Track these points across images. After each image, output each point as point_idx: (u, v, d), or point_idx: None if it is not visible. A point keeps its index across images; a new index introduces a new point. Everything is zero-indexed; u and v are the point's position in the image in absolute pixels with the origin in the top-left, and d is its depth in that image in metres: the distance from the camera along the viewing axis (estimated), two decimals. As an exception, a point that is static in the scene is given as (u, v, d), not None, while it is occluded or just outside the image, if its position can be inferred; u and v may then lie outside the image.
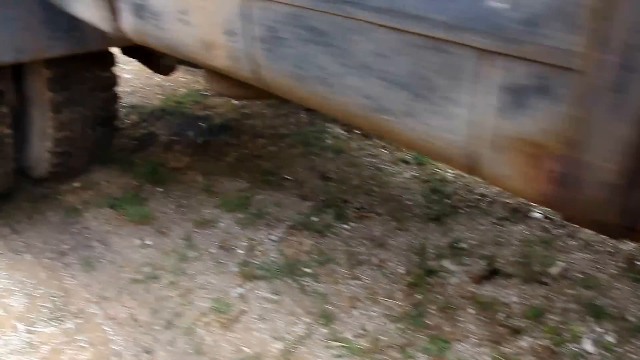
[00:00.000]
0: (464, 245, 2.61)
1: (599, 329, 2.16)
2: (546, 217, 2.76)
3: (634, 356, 2.06)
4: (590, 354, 2.07)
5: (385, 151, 3.33)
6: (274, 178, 3.01)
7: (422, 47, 0.88)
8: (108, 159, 3.03)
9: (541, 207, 2.78)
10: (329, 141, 3.38)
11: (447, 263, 2.51)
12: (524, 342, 2.10)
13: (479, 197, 2.96)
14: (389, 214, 2.79)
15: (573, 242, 2.62)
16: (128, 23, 1.64)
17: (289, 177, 3.04)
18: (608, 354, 2.06)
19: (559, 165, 0.81)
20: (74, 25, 2.19)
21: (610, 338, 2.13)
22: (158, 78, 4.05)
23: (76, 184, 2.95)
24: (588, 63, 0.72)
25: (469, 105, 0.90)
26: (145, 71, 3.51)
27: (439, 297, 2.30)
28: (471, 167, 1.01)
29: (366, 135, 3.45)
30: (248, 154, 3.22)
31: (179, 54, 1.54)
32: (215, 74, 1.59)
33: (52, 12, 2.16)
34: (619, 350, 2.08)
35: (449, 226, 2.73)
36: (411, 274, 2.43)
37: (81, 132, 2.66)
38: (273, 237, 2.61)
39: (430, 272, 2.44)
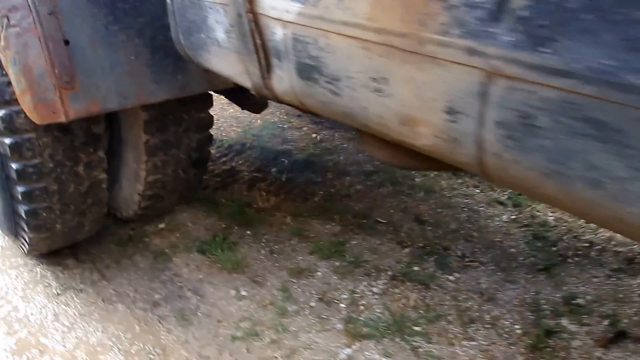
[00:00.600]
0: (580, 302, 2.40)
1: None
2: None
3: None
4: None
5: (478, 191, 3.14)
6: (366, 221, 2.86)
7: None
8: (192, 198, 2.93)
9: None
10: (417, 179, 3.21)
11: (565, 322, 2.30)
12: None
13: (587, 245, 2.75)
14: (494, 263, 2.60)
15: None
16: (285, 83, 1.49)
17: (382, 220, 2.88)
18: None
19: None
20: (179, 68, 2.09)
21: None
22: (232, 109, 3.96)
23: (161, 225, 2.85)
24: None
25: None
26: (220, 101, 3.42)
27: (568, 364, 2.10)
28: None
29: (455, 173, 3.27)
30: (336, 194, 3.08)
31: (357, 122, 1.38)
32: (377, 139, 1.44)
33: (159, 55, 2.06)
34: None
35: (559, 278, 2.52)
36: (528, 334, 2.24)
37: (173, 175, 2.55)
38: (375, 289, 2.44)
39: (549, 333, 2.24)
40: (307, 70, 1.38)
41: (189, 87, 2.14)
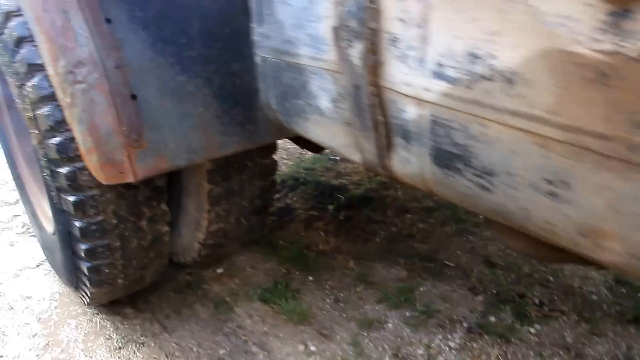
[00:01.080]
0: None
1: None
2: None
3: None
4: None
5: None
6: (433, 264, 2.72)
7: None
8: (251, 242, 2.83)
9: None
10: (481, 216, 3.05)
11: (662, 381, 2.13)
12: None
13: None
14: (576, 313, 2.43)
15: None
16: (411, 166, 1.29)
17: (449, 263, 2.73)
18: None
19: None
20: (249, 117, 1.98)
21: None
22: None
23: (220, 270, 2.75)
24: None
25: None
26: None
27: None
28: None
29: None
30: (398, 233, 2.94)
31: (511, 222, 1.16)
32: (513, 230, 1.28)
33: (228, 105, 1.95)
34: None
35: (650, 329, 2.35)
36: (623, 395, 2.07)
37: (235, 223, 2.45)
38: (452, 344, 2.30)
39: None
40: (448, 159, 1.19)
41: (258, 137, 2.03)
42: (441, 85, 1.14)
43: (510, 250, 2.78)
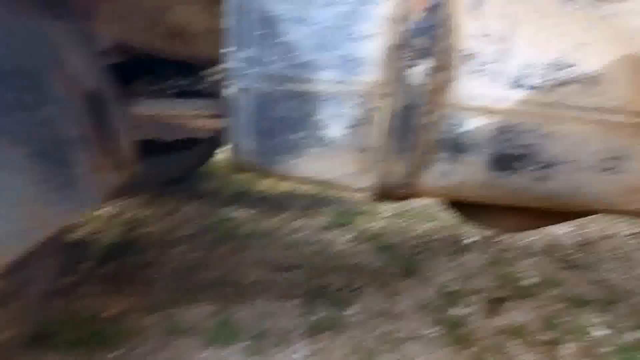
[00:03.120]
0: (454, 288, 2.68)
1: None
2: None
3: None
4: None
5: (302, 222, 3.15)
6: (232, 288, 2.54)
7: None
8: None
9: None
10: (246, 225, 3.02)
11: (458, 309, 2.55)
12: None
13: (417, 237, 3.07)
14: (375, 282, 2.67)
15: None
16: (452, 177, 1.45)
17: (246, 282, 2.61)
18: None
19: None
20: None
21: None
22: None
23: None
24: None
25: None
26: None
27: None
28: None
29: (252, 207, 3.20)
30: (178, 270, 2.63)
31: (554, 203, 1.46)
32: (507, 212, 1.55)
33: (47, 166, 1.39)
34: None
35: (426, 276, 2.77)
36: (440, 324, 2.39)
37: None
38: (297, 356, 2.22)
39: (455, 325, 2.45)
40: (507, 161, 1.40)
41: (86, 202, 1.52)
42: (519, 94, 1.34)
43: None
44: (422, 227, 3.13)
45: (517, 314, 2.54)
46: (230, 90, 1.47)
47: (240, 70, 1.44)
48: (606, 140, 1.33)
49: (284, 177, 1.63)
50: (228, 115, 1.49)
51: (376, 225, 3.12)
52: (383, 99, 1.41)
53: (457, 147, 1.44)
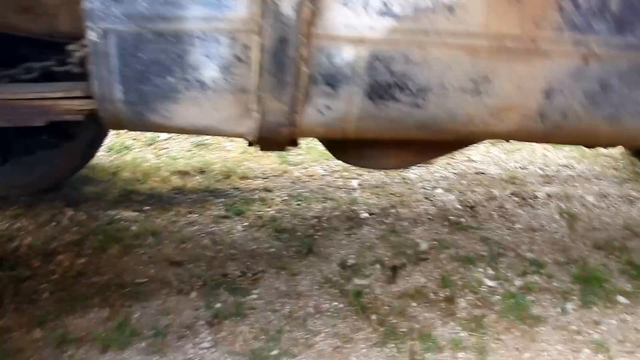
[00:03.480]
0: (353, 262, 2.73)
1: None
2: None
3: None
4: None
5: (196, 215, 3.05)
6: (128, 289, 2.41)
7: None
8: None
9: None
10: (134, 227, 2.86)
11: (358, 280, 2.60)
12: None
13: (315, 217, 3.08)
14: (271, 267, 2.64)
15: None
16: (331, 113, 1.43)
17: (141, 280, 2.47)
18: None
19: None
20: None
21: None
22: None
23: None
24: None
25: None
26: None
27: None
28: None
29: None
30: (64, 279, 2.43)
31: (431, 129, 1.48)
32: (383, 148, 1.53)
33: None
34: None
35: (324, 252, 2.79)
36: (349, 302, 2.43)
37: None
38: (205, 344, 2.16)
39: (358, 295, 2.49)
40: (383, 89, 1.41)
41: None
42: (386, 22, 1.34)
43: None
44: (317, 208, 3.14)
45: (415, 278, 2.64)
46: (90, 34, 1.31)
47: (100, 10, 1.28)
48: (471, 64, 1.38)
49: (159, 129, 1.52)
50: (89, 62, 1.35)
51: (270, 210, 3.09)
52: (255, 34, 1.36)
53: (333, 79, 1.41)
